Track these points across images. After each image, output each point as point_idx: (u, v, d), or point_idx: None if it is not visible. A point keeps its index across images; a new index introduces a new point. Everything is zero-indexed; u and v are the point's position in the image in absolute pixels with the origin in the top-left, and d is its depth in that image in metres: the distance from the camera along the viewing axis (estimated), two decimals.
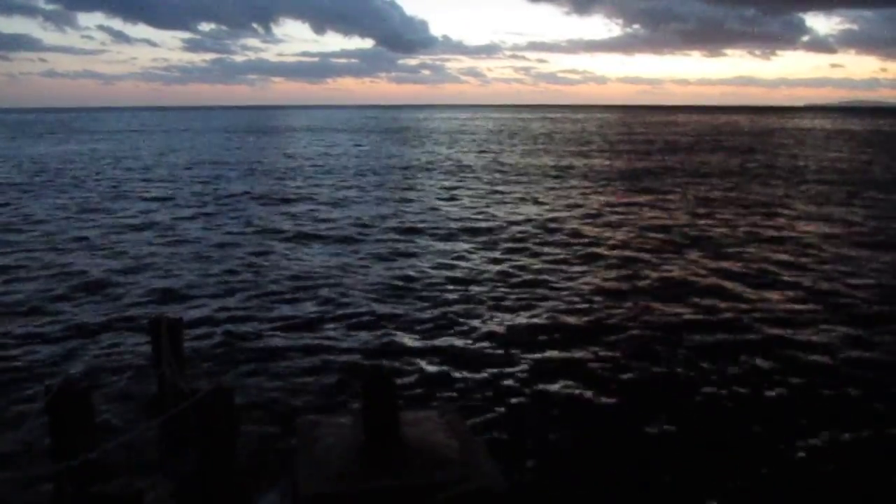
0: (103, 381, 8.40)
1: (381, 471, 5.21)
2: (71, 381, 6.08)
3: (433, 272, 14.14)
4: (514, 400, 8.05)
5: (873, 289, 12.81)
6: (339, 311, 11.41)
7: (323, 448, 5.55)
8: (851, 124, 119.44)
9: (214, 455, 5.80)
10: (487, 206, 23.40)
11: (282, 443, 6.81)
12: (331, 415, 6.65)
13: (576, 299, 12.16)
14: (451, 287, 12.94)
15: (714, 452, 6.84)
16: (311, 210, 22.83)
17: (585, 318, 11.07)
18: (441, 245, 16.98)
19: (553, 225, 19.88)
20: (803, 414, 7.67)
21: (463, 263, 14.96)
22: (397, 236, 18.08)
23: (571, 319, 11.03)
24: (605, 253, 16.10)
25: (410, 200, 24.81)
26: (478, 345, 9.87)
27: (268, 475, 6.26)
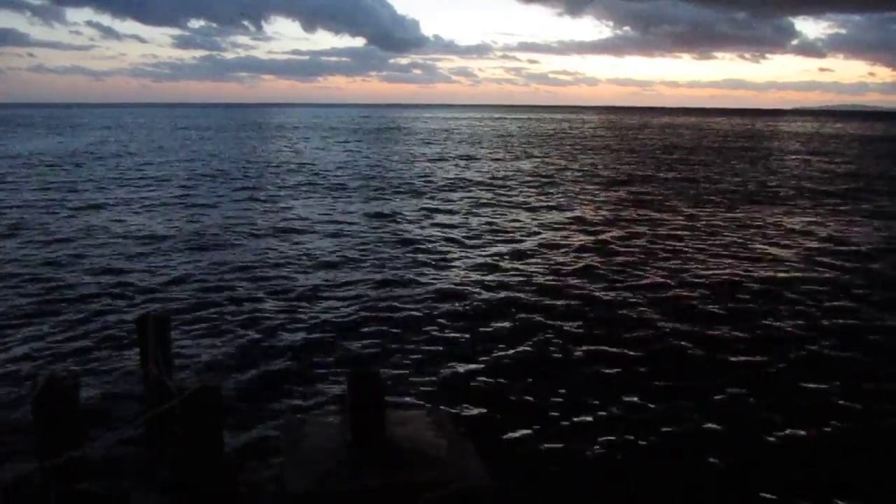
0: (89, 378, 8.34)
1: (368, 470, 5.20)
2: (56, 377, 6.02)
3: (424, 268, 14.14)
4: (502, 400, 8.07)
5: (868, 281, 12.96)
6: (328, 310, 11.39)
7: (310, 447, 5.54)
8: (838, 128, 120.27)
9: (201, 453, 5.77)
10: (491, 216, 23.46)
11: (269, 441, 6.79)
12: (318, 414, 6.64)
13: (569, 301, 12.20)
14: (440, 286, 12.94)
15: (709, 453, 6.87)
16: (300, 208, 22.76)
17: (579, 319, 11.10)
18: (434, 244, 16.98)
19: (557, 227, 19.94)
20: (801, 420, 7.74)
21: (456, 263, 14.97)
22: (386, 232, 18.07)
23: (564, 320, 11.05)
24: (605, 254, 16.15)
25: (400, 195, 24.83)
26: (468, 344, 9.87)
27: (254, 474, 6.24)
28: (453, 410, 7.49)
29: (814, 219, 21.66)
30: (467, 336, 10.22)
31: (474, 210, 22.71)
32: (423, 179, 31.69)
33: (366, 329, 10.48)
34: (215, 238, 17.49)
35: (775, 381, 8.75)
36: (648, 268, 14.78)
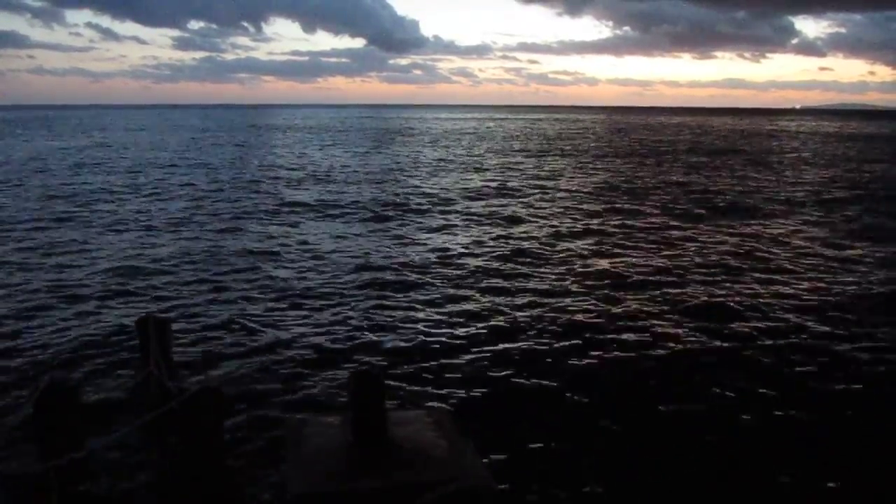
0: (91, 380, 8.35)
1: (369, 471, 5.21)
2: (58, 379, 6.04)
3: (424, 271, 14.15)
4: (503, 400, 8.07)
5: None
6: (328, 311, 11.40)
7: (311, 448, 5.55)
8: (838, 127, 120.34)
9: (202, 455, 5.79)
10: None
11: (270, 442, 6.79)
12: (319, 414, 6.65)
13: (573, 299, 12.20)
14: (441, 286, 12.94)
15: (707, 455, 6.87)
16: (303, 210, 22.77)
17: (581, 319, 11.10)
18: (432, 246, 16.99)
19: (565, 231, 19.95)
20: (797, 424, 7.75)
21: (454, 262, 14.97)
22: (388, 234, 18.09)
23: (567, 319, 11.05)
24: (611, 258, 16.16)
25: (403, 192, 24.85)
26: (469, 345, 9.87)
27: (255, 475, 6.25)
28: (453, 411, 7.48)
29: (815, 222, 21.67)
30: (469, 336, 10.22)
31: (476, 215, 22.72)
32: (427, 181, 31.72)
33: (366, 329, 10.48)
34: (216, 240, 17.50)
35: (786, 392, 8.75)
36: (654, 271, 14.78)
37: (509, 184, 30.41)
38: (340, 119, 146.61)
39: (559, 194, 27.20)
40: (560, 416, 7.66)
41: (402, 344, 9.90)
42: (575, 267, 14.82)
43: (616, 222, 20.56)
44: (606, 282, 13.52)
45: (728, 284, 13.38)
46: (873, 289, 13.13)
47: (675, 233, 18.99)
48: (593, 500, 6.12)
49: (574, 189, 28.89)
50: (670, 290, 12.93)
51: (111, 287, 12.84)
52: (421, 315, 11.22)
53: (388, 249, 16.40)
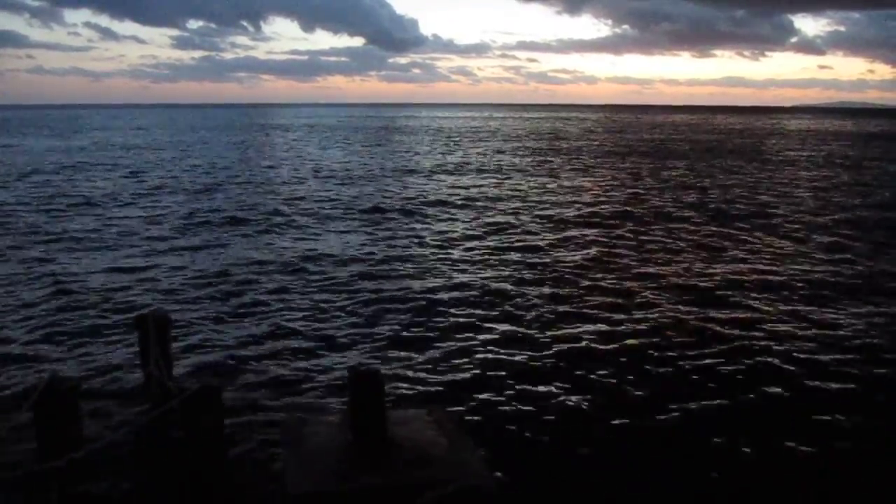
0: (89, 379, 8.34)
1: (369, 470, 5.20)
2: (57, 379, 6.02)
3: (426, 268, 14.14)
4: (503, 398, 8.06)
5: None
6: (329, 310, 11.39)
7: (310, 447, 5.54)
8: (838, 126, 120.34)
9: (201, 454, 5.78)
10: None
11: (269, 442, 6.78)
12: (318, 413, 6.64)
13: (573, 297, 12.19)
14: (442, 287, 12.93)
15: (708, 455, 6.85)
16: (300, 210, 22.76)
17: (584, 313, 11.11)
18: (432, 242, 16.98)
19: (560, 219, 19.95)
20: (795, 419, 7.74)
21: (454, 259, 14.96)
22: (387, 231, 18.07)
23: (566, 318, 11.04)
24: (607, 256, 16.14)
25: (409, 186, 24.85)
26: (469, 343, 9.86)
27: (255, 475, 6.24)
28: (453, 410, 7.47)
29: (814, 219, 21.67)
30: (469, 335, 10.21)
31: (476, 211, 22.73)
32: (427, 179, 31.71)
33: (366, 328, 10.47)
34: (216, 238, 17.50)
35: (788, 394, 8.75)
36: (655, 272, 14.78)
37: (509, 181, 30.42)
38: (340, 118, 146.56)
39: (560, 191, 27.19)
40: (560, 416, 7.64)
41: (403, 342, 9.89)
42: (576, 260, 14.81)
43: (617, 219, 20.55)
44: (608, 277, 13.53)
45: (728, 277, 13.37)
46: (872, 280, 13.16)
47: (675, 228, 18.99)
48: (594, 499, 6.12)
49: (575, 186, 28.89)
50: (670, 284, 12.95)
51: (111, 285, 12.84)
52: (422, 314, 11.19)
53: (388, 246, 16.38)
